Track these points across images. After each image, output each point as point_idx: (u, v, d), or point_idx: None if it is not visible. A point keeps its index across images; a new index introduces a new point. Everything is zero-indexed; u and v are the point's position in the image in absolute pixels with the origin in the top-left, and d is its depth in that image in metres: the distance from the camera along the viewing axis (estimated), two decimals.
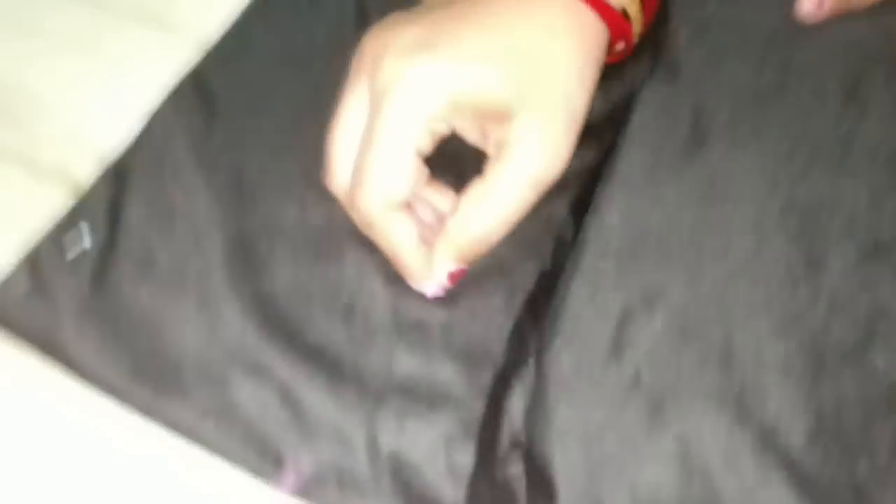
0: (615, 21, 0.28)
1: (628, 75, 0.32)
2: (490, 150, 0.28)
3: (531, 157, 0.26)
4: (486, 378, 0.28)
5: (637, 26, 0.29)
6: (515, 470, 0.26)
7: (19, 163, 0.35)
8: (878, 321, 0.26)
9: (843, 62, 0.30)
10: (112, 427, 0.28)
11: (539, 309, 0.28)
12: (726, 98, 0.30)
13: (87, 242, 0.31)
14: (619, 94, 0.32)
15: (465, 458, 0.27)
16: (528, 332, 0.28)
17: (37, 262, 0.30)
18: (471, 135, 0.28)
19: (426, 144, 0.27)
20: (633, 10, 0.29)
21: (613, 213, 0.29)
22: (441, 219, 0.29)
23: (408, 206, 0.28)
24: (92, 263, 0.30)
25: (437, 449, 0.27)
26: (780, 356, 0.26)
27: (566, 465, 0.25)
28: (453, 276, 0.28)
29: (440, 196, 0.29)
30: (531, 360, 0.27)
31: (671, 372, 0.26)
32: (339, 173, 0.29)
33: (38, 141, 0.35)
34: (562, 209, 0.30)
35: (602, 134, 0.32)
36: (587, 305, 0.27)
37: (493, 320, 0.29)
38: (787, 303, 0.27)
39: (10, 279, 0.30)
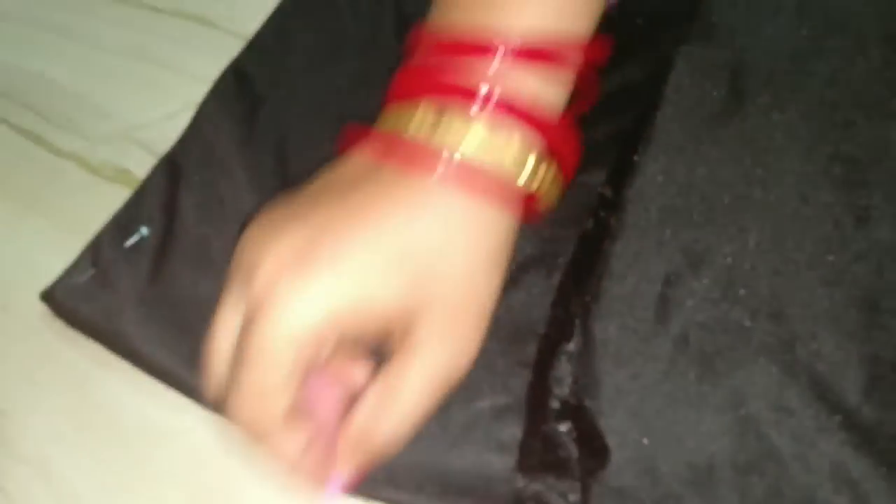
0: (521, 200, 0.25)
1: (662, 38, 0.32)
2: (394, 343, 0.25)
3: (436, 358, 0.24)
4: (531, 349, 0.28)
5: (553, 190, 0.26)
6: (566, 434, 0.26)
7: (78, 163, 0.37)
8: None
9: (882, 8, 0.29)
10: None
11: (582, 273, 0.28)
12: (764, 54, 0.30)
13: (144, 231, 0.33)
14: (653, 58, 0.32)
15: (513, 429, 0.27)
16: (571, 297, 0.28)
17: (98, 252, 0.32)
18: (368, 334, 0.25)
19: (306, 357, 0.23)
20: (547, 180, 0.25)
21: (654, 173, 0.29)
22: (350, 394, 0.26)
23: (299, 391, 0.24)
24: (150, 253, 0.32)
25: (484, 423, 0.27)
26: (832, 308, 0.25)
27: (617, 425, 0.25)
28: (353, 481, 0.25)
29: (351, 368, 0.26)
30: (576, 326, 0.27)
31: (719, 329, 0.26)
32: (215, 380, 0.26)
33: (95, 141, 0.37)
34: (599, 175, 0.30)
35: (636, 99, 0.31)
36: (631, 267, 0.27)
37: (534, 291, 0.29)
38: (836, 254, 0.26)
39: (71, 269, 0.32)
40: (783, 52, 0.30)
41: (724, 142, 0.29)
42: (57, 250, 0.33)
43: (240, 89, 0.36)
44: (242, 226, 0.32)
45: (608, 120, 0.31)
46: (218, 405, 0.25)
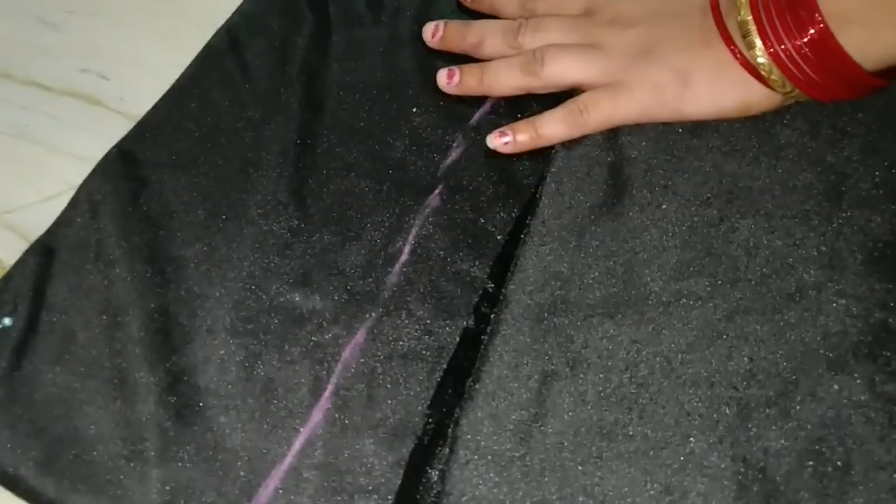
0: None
1: None
2: None
3: None
4: (407, 449, 0.27)
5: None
6: None
7: None
8: (800, 370, 0.25)
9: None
10: None
11: (462, 371, 0.28)
12: (643, 149, 0.30)
13: (7, 322, 0.31)
14: (541, 150, 0.32)
15: None
16: (449, 397, 0.27)
17: None
18: None
19: None
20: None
21: (532, 268, 0.28)
22: None
23: None
24: (9, 345, 0.30)
25: None
26: (704, 409, 0.25)
27: None
28: None
29: None
30: (450, 429, 0.26)
31: (593, 435, 0.25)
32: None
33: None
34: (483, 270, 0.30)
35: (523, 191, 0.32)
36: (507, 368, 0.27)
37: (416, 387, 0.28)
38: (709, 353, 0.26)
39: None
40: (660, 148, 0.30)
41: (603, 236, 0.29)
42: None
43: (124, 170, 0.35)
44: (112, 319, 0.30)
45: (502, 209, 0.31)
46: None
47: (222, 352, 0.29)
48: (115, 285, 0.31)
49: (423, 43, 0.36)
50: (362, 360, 0.29)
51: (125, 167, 0.35)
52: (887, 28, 0.27)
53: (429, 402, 0.27)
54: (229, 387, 0.29)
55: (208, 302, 0.31)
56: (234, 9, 0.40)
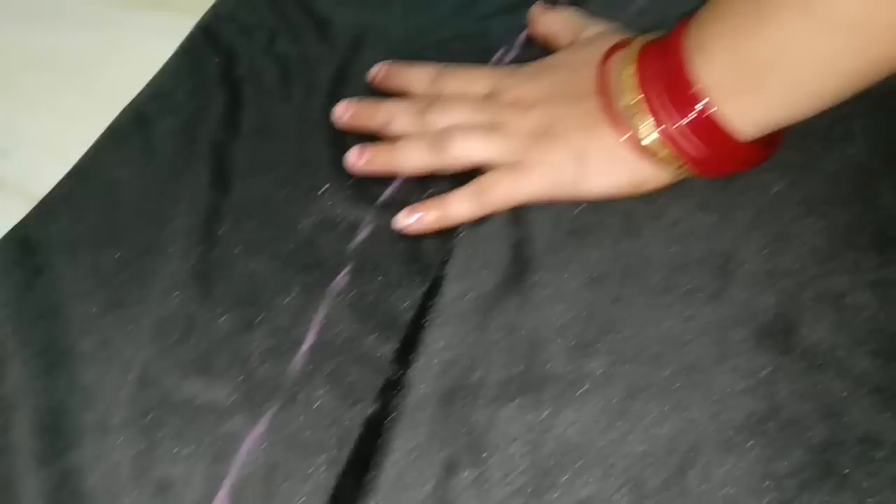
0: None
1: None
2: None
3: None
4: None
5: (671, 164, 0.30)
6: None
7: None
8: (693, 450, 0.25)
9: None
10: None
11: (364, 462, 0.27)
12: (546, 227, 0.31)
13: None
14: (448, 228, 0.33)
15: None
16: (350, 491, 0.27)
17: None
18: None
19: None
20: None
21: (435, 352, 0.28)
22: None
23: None
24: None
25: None
26: (601, 495, 0.25)
27: None
28: None
29: None
30: None
31: None
32: None
33: None
34: (388, 352, 0.30)
35: (431, 269, 0.32)
36: (407, 458, 0.26)
37: (316, 480, 0.27)
38: (605, 435, 0.26)
39: None
40: (562, 227, 0.31)
41: (507, 314, 0.29)
42: None
43: (19, 257, 0.34)
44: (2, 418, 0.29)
45: (410, 289, 0.31)
46: None
47: (114, 449, 0.28)
48: (5, 381, 0.30)
49: (334, 121, 0.36)
50: (262, 452, 0.28)
51: (20, 253, 0.34)
52: (762, 90, 0.28)
53: (328, 498, 0.27)
54: (120, 487, 0.27)
55: (102, 395, 0.29)
56: (142, 86, 0.39)
